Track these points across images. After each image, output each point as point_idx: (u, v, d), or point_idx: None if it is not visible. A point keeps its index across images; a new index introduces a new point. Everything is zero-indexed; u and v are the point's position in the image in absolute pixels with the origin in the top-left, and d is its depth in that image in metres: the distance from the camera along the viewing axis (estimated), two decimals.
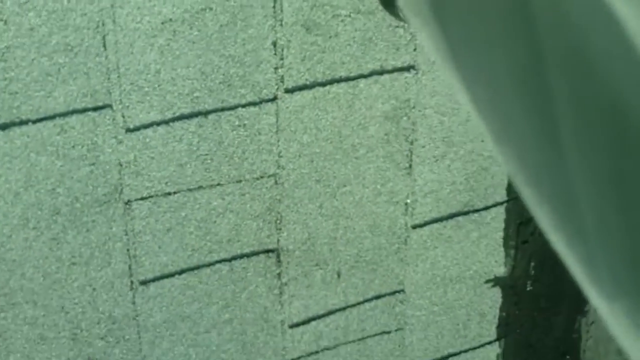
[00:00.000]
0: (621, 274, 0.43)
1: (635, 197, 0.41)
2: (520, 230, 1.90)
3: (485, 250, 1.89)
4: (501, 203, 1.86)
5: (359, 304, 1.82)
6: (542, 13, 0.38)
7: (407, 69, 1.65)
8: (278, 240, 1.69)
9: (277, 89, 1.57)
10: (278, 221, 1.68)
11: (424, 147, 1.73)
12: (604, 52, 0.34)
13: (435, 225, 1.82)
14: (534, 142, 0.43)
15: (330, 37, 1.57)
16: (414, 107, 1.69)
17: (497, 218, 1.86)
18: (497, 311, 1.99)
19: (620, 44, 0.33)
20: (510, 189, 1.83)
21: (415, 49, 1.63)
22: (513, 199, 1.84)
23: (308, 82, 1.59)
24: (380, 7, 1.57)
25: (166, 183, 1.56)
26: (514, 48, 0.41)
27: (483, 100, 0.44)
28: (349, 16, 1.57)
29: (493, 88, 0.43)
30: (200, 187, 1.59)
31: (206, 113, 1.54)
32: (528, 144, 0.43)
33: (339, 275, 1.77)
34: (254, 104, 1.56)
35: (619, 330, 0.45)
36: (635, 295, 0.43)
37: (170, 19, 1.46)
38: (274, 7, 1.51)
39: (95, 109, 1.47)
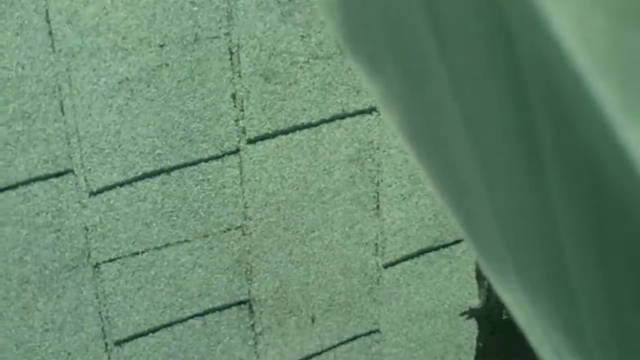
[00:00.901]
0: (599, 331, 0.43)
1: (615, 257, 0.41)
2: None
3: (458, 284, 1.89)
4: None
5: (334, 347, 1.81)
6: (526, 56, 0.37)
7: (369, 111, 1.65)
8: (249, 291, 1.68)
9: (239, 140, 1.56)
10: (248, 272, 1.66)
11: (390, 186, 1.73)
12: (581, 109, 0.34)
13: (407, 262, 1.82)
14: (520, 176, 0.42)
15: (289, 84, 1.57)
16: (378, 148, 1.68)
17: (467, 251, 1.86)
18: (474, 342, 1.99)
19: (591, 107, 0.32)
20: None
21: None
22: None
23: (270, 131, 1.58)
24: (339, 51, 1.57)
25: (133, 243, 1.54)
26: (499, 89, 0.40)
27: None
28: (308, 62, 1.57)
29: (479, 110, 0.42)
30: (167, 245, 1.57)
31: (169, 170, 1.53)
32: (514, 178, 0.42)
33: (313, 320, 1.76)
34: (216, 157, 1.55)
35: None
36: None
37: (127, 78, 1.45)
38: (230, 59, 1.50)
39: (57, 174, 1.45)
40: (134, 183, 1.51)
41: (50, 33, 1.37)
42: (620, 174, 0.34)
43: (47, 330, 1.52)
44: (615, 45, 0.27)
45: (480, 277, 1.91)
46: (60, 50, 1.38)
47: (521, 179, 0.41)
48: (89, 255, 1.52)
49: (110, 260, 1.54)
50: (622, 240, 0.39)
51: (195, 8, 1.44)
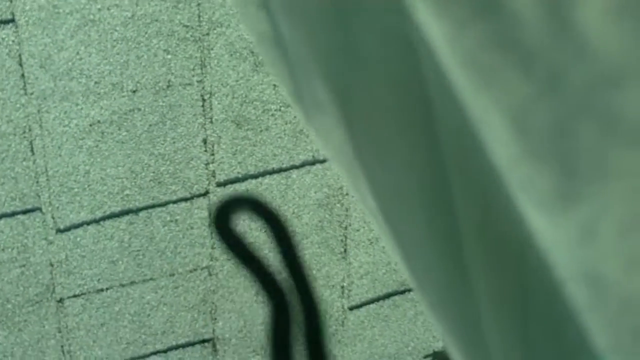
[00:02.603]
0: None
1: (537, 342, 0.41)
2: None
3: (423, 327, 1.90)
4: None
5: None
6: (447, 138, 0.38)
7: None
8: (214, 330, 1.69)
9: (209, 183, 1.58)
10: (213, 311, 1.68)
11: (358, 230, 1.74)
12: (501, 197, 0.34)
13: (372, 305, 1.83)
14: (441, 261, 0.42)
15: (261, 130, 1.58)
16: (346, 194, 1.70)
17: None
18: None
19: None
20: None
21: None
22: None
23: (240, 175, 1.60)
24: None
25: (98, 280, 1.56)
26: (418, 162, 0.40)
27: (389, 213, 0.43)
28: (279, 110, 1.58)
29: (397, 201, 0.42)
30: (132, 282, 1.58)
31: (137, 210, 1.54)
32: (434, 264, 0.43)
33: None
34: (185, 199, 1.57)
35: None
36: None
37: (99, 121, 1.46)
38: (202, 105, 1.51)
39: (24, 212, 1.46)
40: (101, 222, 1.52)
41: (22, 76, 1.38)
42: (535, 261, 0.34)
43: None
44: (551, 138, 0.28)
45: None
46: (32, 93, 1.39)
47: (440, 262, 0.41)
48: (54, 291, 1.53)
49: (75, 296, 1.55)
50: (544, 334, 0.40)
51: (169, 56, 1.46)
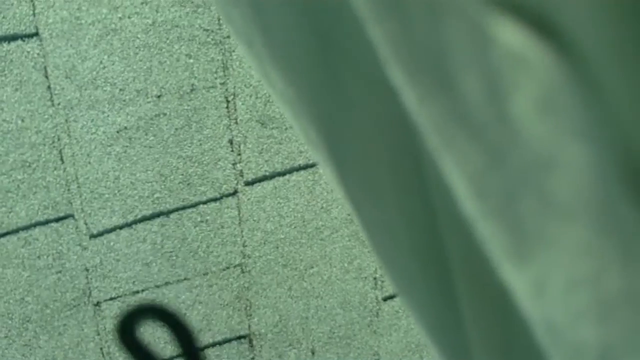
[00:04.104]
0: None
1: None
2: None
3: None
4: None
5: None
6: (432, 182, 0.39)
7: None
8: (249, 326, 1.72)
9: (237, 183, 1.60)
10: (248, 308, 1.70)
11: None
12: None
13: None
14: (432, 295, 0.44)
15: (286, 128, 1.60)
16: None
17: None
18: None
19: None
20: None
21: None
22: None
23: (267, 173, 1.62)
24: None
25: (133, 282, 1.59)
26: (407, 201, 0.42)
27: (377, 242, 0.44)
28: None
29: (387, 237, 0.43)
30: (167, 283, 1.61)
31: (168, 213, 1.57)
32: (426, 297, 0.44)
33: (313, 353, 1.80)
34: (214, 199, 1.59)
35: None
36: None
37: (126, 127, 1.48)
38: (227, 107, 1.54)
39: (57, 219, 1.49)
40: (133, 225, 1.55)
41: (48, 87, 1.41)
42: (512, 305, 0.36)
43: None
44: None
45: None
46: (59, 104, 1.42)
47: (430, 289, 0.43)
48: (90, 295, 1.56)
49: (111, 299, 1.58)
50: None
51: (191, 60, 1.48)
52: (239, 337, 1.72)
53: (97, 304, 1.57)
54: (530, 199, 0.29)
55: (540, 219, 0.29)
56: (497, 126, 0.28)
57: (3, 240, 1.47)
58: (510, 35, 0.27)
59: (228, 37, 1.49)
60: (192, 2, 1.45)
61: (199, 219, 1.59)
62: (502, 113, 0.28)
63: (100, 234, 1.54)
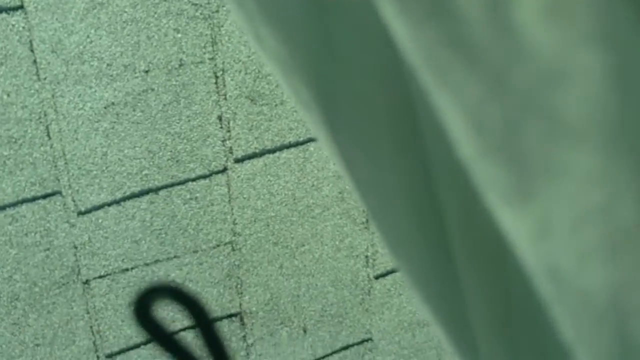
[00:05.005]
0: None
1: (519, 334, 0.42)
2: None
3: None
4: None
5: (327, 356, 1.84)
6: (428, 133, 0.38)
7: None
8: (240, 304, 1.71)
9: (227, 160, 1.59)
10: (239, 285, 1.69)
11: None
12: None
13: (398, 273, 1.84)
14: (429, 257, 0.43)
15: (275, 105, 1.59)
16: None
17: None
18: None
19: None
20: None
21: None
22: None
23: (257, 151, 1.61)
24: None
25: (123, 260, 1.58)
26: (403, 160, 0.41)
27: (373, 206, 0.43)
28: None
29: (383, 197, 0.42)
30: (157, 261, 1.60)
31: (157, 190, 1.55)
32: (422, 259, 0.43)
33: (305, 331, 1.79)
34: (204, 176, 1.58)
35: None
36: None
37: (113, 103, 1.47)
38: (216, 83, 1.52)
39: (44, 196, 1.48)
40: (122, 202, 1.54)
41: (34, 62, 1.39)
42: (511, 257, 0.35)
43: (37, 345, 1.56)
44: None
45: None
46: (45, 78, 1.41)
47: (426, 250, 0.42)
48: (79, 272, 1.55)
49: (100, 277, 1.57)
50: (525, 327, 0.40)
51: (180, 35, 1.46)
52: (230, 315, 1.71)
53: (86, 281, 1.56)
54: (534, 125, 0.27)
55: (545, 147, 0.28)
56: (498, 43, 0.27)
57: None
58: None
59: (217, 11, 1.48)
60: None
61: (188, 196, 1.58)
62: (504, 25, 0.26)
63: (89, 211, 1.52)
